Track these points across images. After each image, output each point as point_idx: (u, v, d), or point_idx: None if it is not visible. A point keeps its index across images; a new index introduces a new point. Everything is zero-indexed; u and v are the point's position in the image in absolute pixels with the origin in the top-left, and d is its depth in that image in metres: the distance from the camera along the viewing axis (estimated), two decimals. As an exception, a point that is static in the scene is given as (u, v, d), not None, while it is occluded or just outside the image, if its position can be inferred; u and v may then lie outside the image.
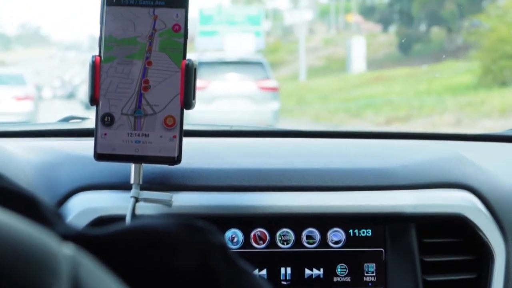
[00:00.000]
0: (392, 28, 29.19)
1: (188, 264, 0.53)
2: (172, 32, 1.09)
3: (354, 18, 33.74)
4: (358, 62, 24.79)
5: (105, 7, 1.08)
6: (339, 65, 27.03)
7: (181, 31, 1.09)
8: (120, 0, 1.08)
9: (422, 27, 27.39)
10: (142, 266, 0.52)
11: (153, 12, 1.09)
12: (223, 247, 0.55)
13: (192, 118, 10.51)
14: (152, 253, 0.52)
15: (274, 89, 13.22)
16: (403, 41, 26.33)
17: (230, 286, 0.54)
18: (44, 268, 0.40)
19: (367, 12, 30.51)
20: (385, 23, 29.61)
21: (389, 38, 28.68)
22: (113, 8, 1.08)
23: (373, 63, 25.75)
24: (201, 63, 12.93)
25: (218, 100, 12.65)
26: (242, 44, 20.90)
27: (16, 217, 0.44)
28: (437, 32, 27.25)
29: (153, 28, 1.09)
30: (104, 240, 0.52)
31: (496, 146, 1.65)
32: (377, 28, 30.91)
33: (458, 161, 1.36)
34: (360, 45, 25.09)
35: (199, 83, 12.43)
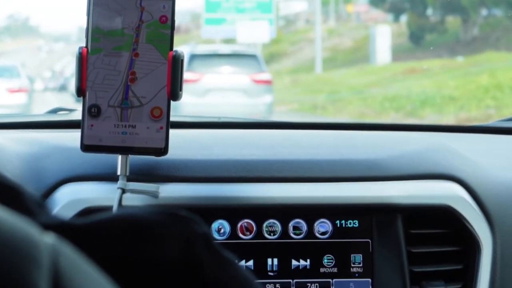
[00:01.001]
0: (403, 18, 27.18)
1: (171, 253, 0.53)
2: (159, 23, 1.09)
3: (357, 8, 32.80)
4: (382, 53, 22.58)
5: None
6: (346, 56, 25.17)
7: (168, 23, 1.09)
8: None
9: (436, 17, 25.50)
10: (124, 255, 0.52)
11: (140, 4, 1.09)
12: (207, 236, 0.55)
13: (184, 112, 10.43)
14: (134, 243, 0.52)
15: (267, 82, 13.14)
16: (414, 31, 24.51)
17: (214, 276, 0.54)
18: (24, 256, 0.40)
19: (376, 0, 29.25)
20: (396, 12, 27.70)
21: (398, 28, 26.57)
22: None
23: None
24: (194, 56, 12.87)
25: (211, 93, 12.60)
26: (256, 32, 19.38)
27: None
28: (451, 21, 25.07)
29: (140, 20, 1.09)
30: (86, 229, 0.52)
31: (483, 137, 1.66)
32: (382, 17, 29.79)
33: (445, 152, 1.36)
34: (385, 34, 22.90)
35: (192, 76, 12.34)
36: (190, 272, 0.53)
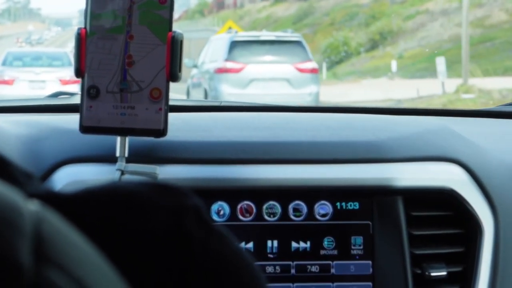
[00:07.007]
0: None
1: (159, 225, 0.52)
2: (154, 3, 1.08)
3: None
4: None
5: None
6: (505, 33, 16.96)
7: (166, 3, 1.08)
8: None
9: None
10: (110, 225, 0.51)
11: None
12: (197, 208, 0.54)
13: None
14: (121, 213, 0.52)
15: (313, 71, 12.62)
16: None
17: (203, 249, 0.53)
18: (6, 222, 0.40)
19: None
20: None
21: None
22: None
23: None
24: (235, 43, 12.45)
25: (253, 83, 12.11)
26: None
27: None
28: None
29: (131, 0, 1.08)
30: (73, 199, 0.52)
31: (485, 121, 1.65)
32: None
33: (447, 135, 1.35)
34: None
35: (233, 65, 11.88)
36: (178, 245, 0.52)
